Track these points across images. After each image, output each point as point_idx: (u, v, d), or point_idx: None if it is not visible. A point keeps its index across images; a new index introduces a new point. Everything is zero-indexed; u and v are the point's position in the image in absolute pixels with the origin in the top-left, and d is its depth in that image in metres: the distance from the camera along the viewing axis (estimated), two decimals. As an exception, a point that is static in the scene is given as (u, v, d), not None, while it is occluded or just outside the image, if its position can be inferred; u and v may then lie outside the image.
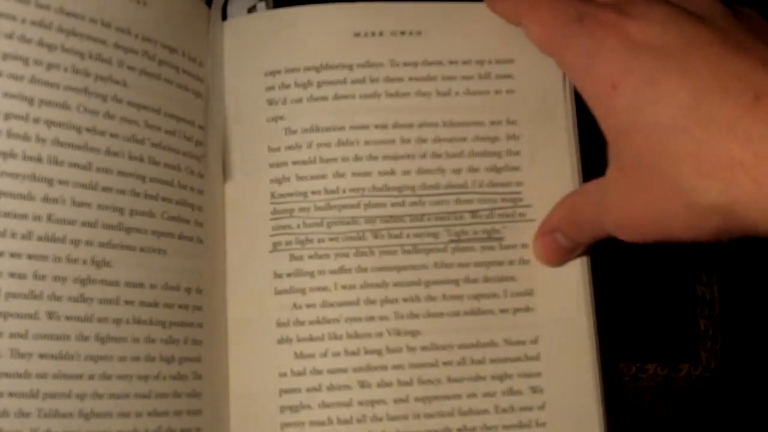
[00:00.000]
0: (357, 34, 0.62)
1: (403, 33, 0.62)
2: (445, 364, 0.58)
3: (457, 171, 0.60)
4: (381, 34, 0.62)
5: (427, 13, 0.62)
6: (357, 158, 0.60)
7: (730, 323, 0.65)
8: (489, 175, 0.61)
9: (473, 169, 0.61)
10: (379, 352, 0.58)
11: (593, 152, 0.60)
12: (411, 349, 0.59)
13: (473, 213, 0.60)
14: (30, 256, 0.50)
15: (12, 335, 0.49)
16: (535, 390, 0.59)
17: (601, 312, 0.60)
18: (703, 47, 0.47)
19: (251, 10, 0.63)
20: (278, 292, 0.59)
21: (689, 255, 0.67)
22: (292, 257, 0.60)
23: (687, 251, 0.67)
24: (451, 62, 0.62)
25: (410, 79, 0.61)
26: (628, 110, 0.49)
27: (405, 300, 0.59)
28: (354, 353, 0.58)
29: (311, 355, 0.59)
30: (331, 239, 0.60)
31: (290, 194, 0.60)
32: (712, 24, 0.49)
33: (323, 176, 0.60)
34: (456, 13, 0.62)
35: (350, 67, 0.61)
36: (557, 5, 0.55)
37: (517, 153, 0.61)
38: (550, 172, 0.61)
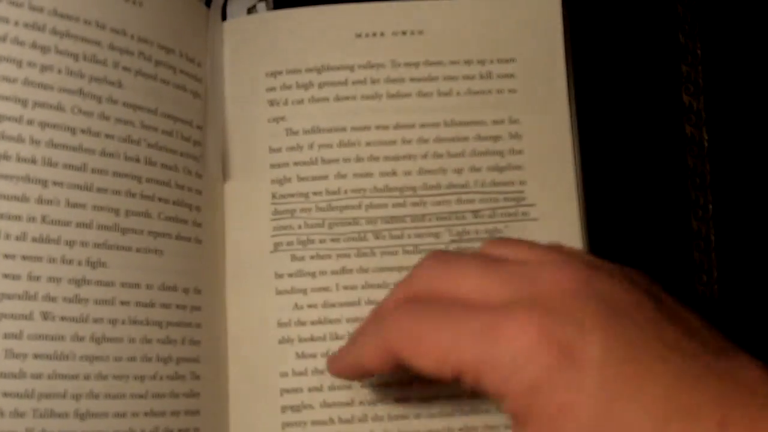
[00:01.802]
0: (358, 35, 0.62)
1: (404, 33, 0.62)
2: (446, 364, 0.58)
3: (458, 171, 0.60)
4: (382, 34, 0.62)
5: (428, 12, 0.62)
6: (358, 159, 0.60)
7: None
8: (491, 175, 0.60)
9: (475, 169, 0.60)
10: (379, 353, 0.58)
11: (593, 152, 0.60)
12: (412, 349, 0.59)
13: (475, 213, 0.60)
14: (24, 257, 0.50)
15: (6, 336, 0.49)
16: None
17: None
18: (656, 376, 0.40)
19: (251, 10, 0.63)
20: (279, 293, 0.59)
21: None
22: (294, 258, 0.60)
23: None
24: (453, 62, 0.62)
25: (411, 79, 0.61)
26: None
27: (405, 300, 0.59)
28: (355, 353, 0.58)
29: (313, 355, 0.59)
30: (332, 240, 0.60)
31: (291, 195, 0.60)
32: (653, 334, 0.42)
33: (324, 177, 0.60)
34: (457, 12, 0.62)
35: (351, 68, 0.61)
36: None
37: (520, 152, 0.61)
38: (552, 171, 0.61)
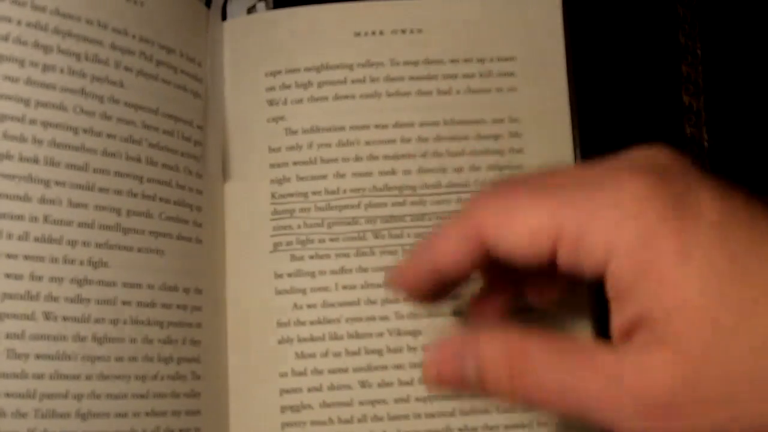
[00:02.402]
0: (357, 34, 0.62)
1: (403, 31, 0.62)
2: (446, 363, 0.58)
3: (458, 170, 0.60)
4: (381, 33, 0.62)
5: (428, 11, 0.62)
6: (357, 158, 0.60)
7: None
8: (491, 174, 0.60)
9: (475, 168, 0.60)
10: (379, 352, 0.58)
11: (593, 152, 0.60)
12: (412, 349, 0.58)
13: (475, 212, 0.60)
14: (27, 257, 0.50)
15: (9, 336, 0.49)
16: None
17: (601, 308, 0.59)
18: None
19: (251, 10, 0.63)
20: (279, 293, 0.59)
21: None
22: (293, 257, 0.60)
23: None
24: (452, 61, 0.62)
25: (411, 78, 0.61)
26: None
27: (406, 300, 0.59)
28: (355, 353, 0.58)
29: (312, 355, 0.59)
30: (331, 239, 0.60)
31: (291, 195, 0.60)
32: None
33: (324, 177, 0.60)
34: (456, 10, 0.62)
35: (350, 67, 0.61)
36: None
37: (520, 151, 0.61)
38: (553, 170, 0.60)
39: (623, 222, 0.37)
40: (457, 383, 0.43)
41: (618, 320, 0.39)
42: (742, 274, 0.36)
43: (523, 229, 0.40)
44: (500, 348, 0.41)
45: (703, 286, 0.36)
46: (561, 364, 0.39)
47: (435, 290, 0.46)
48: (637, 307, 0.37)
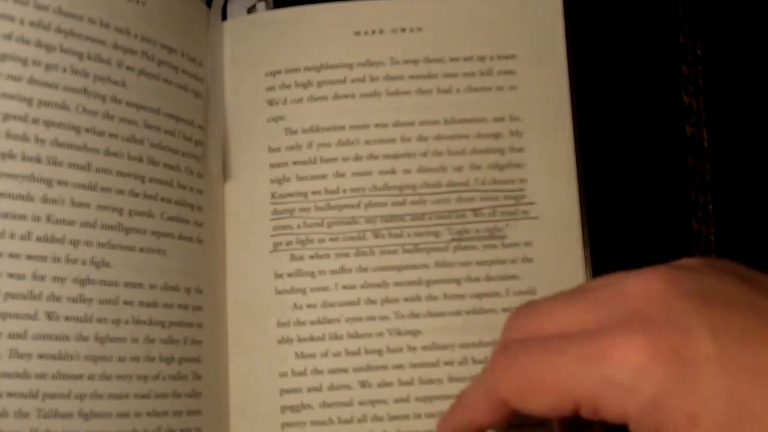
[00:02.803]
0: (357, 33, 0.62)
1: (403, 30, 0.62)
2: (447, 363, 0.58)
3: (458, 169, 0.60)
4: (381, 31, 0.62)
5: (428, 9, 0.62)
6: (357, 158, 0.60)
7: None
8: (491, 173, 0.60)
9: (475, 167, 0.60)
10: (379, 352, 0.58)
11: (593, 151, 0.60)
12: (412, 348, 0.58)
13: (475, 211, 0.60)
14: (29, 257, 0.50)
15: (11, 335, 0.49)
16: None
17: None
18: None
19: (251, 10, 0.63)
20: (279, 292, 0.59)
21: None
22: (293, 257, 0.59)
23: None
24: (452, 59, 0.62)
25: (411, 77, 0.61)
26: None
27: (406, 300, 0.59)
28: (355, 353, 0.58)
29: (312, 355, 0.58)
30: (331, 239, 0.60)
31: (290, 194, 0.60)
32: None
33: (323, 176, 0.60)
34: (456, 8, 0.62)
35: (350, 66, 0.61)
36: None
37: (521, 150, 0.61)
38: (553, 169, 0.60)
39: (633, 395, 0.39)
40: None
41: None
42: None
43: (543, 401, 0.42)
44: None
45: None
46: None
47: None
48: None
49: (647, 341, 0.39)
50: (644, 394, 0.39)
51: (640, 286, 0.41)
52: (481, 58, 0.61)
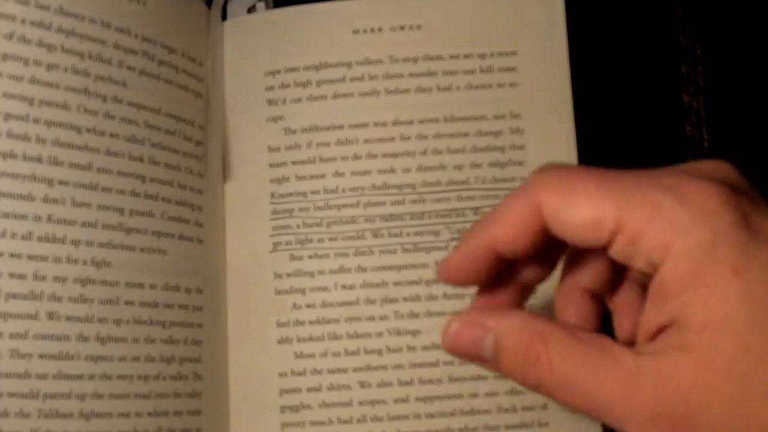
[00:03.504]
0: (356, 31, 0.62)
1: (402, 28, 0.62)
2: (447, 363, 0.58)
3: (458, 167, 0.60)
4: (380, 30, 0.62)
5: (427, 6, 0.62)
6: (356, 157, 0.60)
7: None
8: (492, 171, 0.60)
9: (476, 165, 0.60)
10: (379, 352, 0.58)
11: (594, 151, 0.60)
12: (411, 348, 0.58)
13: (476, 210, 0.60)
14: (30, 257, 0.50)
15: (12, 336, 0.49)
16: (537, 389, 0.59)
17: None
18: None
19: (251, 10, 0.63)
20: (278, 293, 0.59)
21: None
22: (292, 257, 0.59)
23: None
24: (452, 56, 0.61)
25: (410, 75, 0.61)
26: None
27: (405, 299, 0.59)
28: (354, 353, 0.58)
29: (311, 355, 0.58)
30: (330, 239, 0.59)
31: (290, 194, 0.60)
32: None
33: (323, 176, 0.60)
34: (456, 5, 0.62)
35: (349, 65, 0.61)
36: None
37: (522, 147, 0.60)
38: (554, 168, 0.60)
39: (688, 227, 0.37)
40: (472, 354, 0.42)
41: (650, 319, 0.38)
42: None
43: (586, 216, 0.39)
44: (519, 328, 0.40)
45: (750, 306, 0.36)
46: (578, 357, 0.39)
47: (487, 274, 0.44)
48: (676, 310, 0.37)
49: (724, 194, 0.37)
50: (705, 232, 0.36)
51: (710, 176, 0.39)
52: (481, 55, 0.61)
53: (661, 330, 0.38)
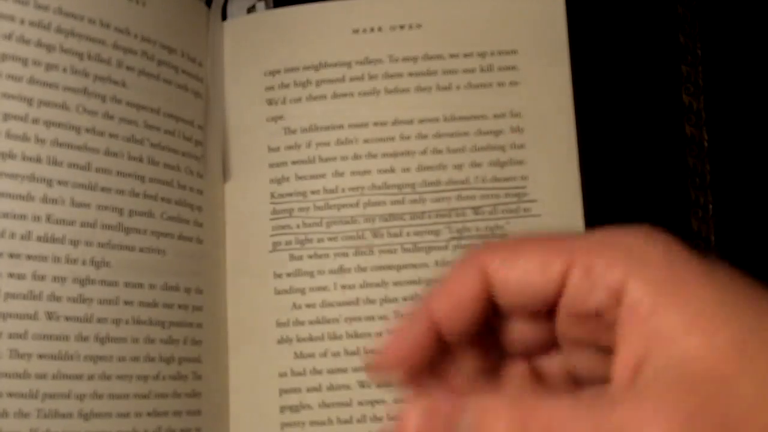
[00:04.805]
0: (355, 31, 0.62)
1: (402, 27, 0.62)
2: (446, 363, 0.58)
3: (458, 167, 0.60)
4: (380, 29, 0.62)
5: (427, 5, 0.62)
6: (356, 157, 0.60)
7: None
8: (492, 170, 0.60)
9: (476, 164, 0.60)
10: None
11: (594, 151, 0.60)
12: (411, 348, 0.58)
13: (476, 209, 0.60)
14: (29, 257, 0.50)
15: (11, 336, 0.49)
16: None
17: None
18: None
19: (251, 10, 0.63)
20: (278, 292, 0.59)
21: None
22: (292, 257, 0.59)
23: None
24: (452, 55, 0.61)
25: (410, 74, 0.61)
26: None
27: (405, 299, 0.59)
28: (354, 353, 0.58)
29: (311, 355, 0.58)
30: (330, 239, 0.59)
31: (290, 194, 0.60)
32: None
33: (322, 176, 0.60)
34: (456, 4, 0.62)
35: (348, 65, 0.61)
36: None
37: (522, 146, 0.60)
38: (555, 166, 0.60)
39: (641, 245, 0.34)
40: None
41: (625, 353, 0.34)
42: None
43: (533, 261, 0.36)
44: (507, 408, 0.33)
45: (725, 308, 0.32)
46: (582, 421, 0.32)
47: (430, 358, 0.38)
48: (647, 338, 0.33)
49: (662, 233, 0.35)
50: (659, 252, 0.33)
51: None
52: (482, 54, 0.61)
53: (640, 363, 0.33)
